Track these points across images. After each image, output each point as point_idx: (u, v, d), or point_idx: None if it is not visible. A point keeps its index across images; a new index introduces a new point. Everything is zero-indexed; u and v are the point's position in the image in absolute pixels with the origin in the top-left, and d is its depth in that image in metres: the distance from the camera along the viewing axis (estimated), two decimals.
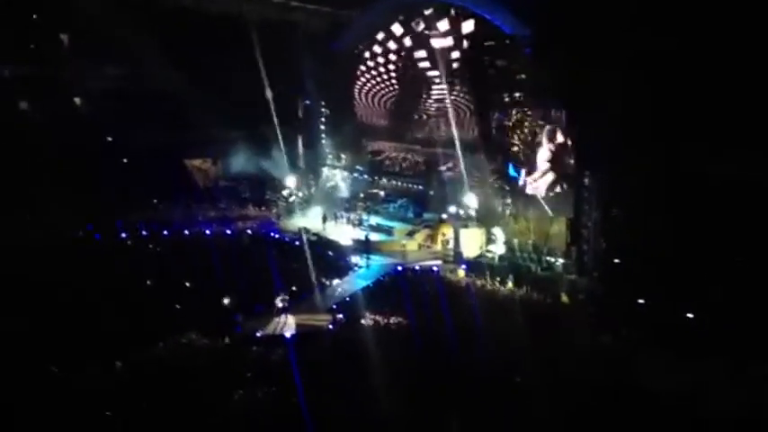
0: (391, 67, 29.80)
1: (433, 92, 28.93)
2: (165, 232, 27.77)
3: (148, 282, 22.59)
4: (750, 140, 21.04)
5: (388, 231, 29.08)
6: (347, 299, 22.37)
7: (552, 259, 24.13)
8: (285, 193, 32.75)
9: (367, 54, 30.10)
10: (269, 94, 31.62)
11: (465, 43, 27.02)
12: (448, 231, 27.12)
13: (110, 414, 15.31)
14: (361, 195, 31.66)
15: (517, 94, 25.47)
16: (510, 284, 23.24)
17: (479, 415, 15.30)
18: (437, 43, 27.70)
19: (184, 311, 20.49)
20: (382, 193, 31.62)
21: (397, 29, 28.68)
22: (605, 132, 22.32)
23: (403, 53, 29.05)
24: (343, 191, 32.62)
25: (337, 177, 33.04)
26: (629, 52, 22.09)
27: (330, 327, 20.39)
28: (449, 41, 27.37)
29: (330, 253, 26.62)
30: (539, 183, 24.55)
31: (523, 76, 25.21)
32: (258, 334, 19.62)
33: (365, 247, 26.63)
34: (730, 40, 21.42)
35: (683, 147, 22.20)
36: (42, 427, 14.96)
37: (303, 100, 33.10)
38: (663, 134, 22.30)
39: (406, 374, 16.68)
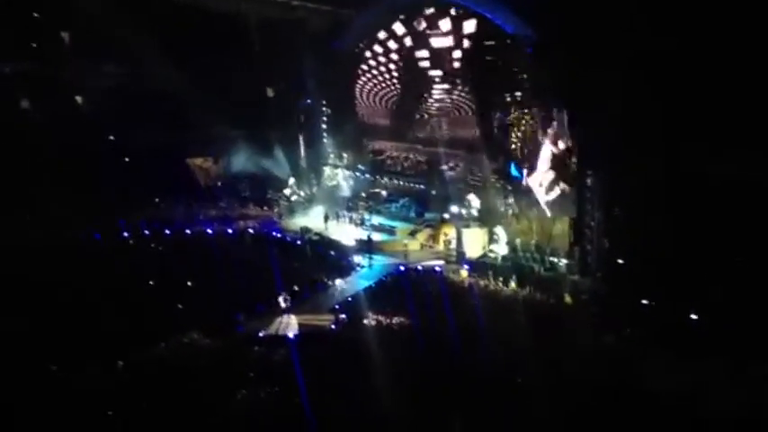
0: (392, 66, 29.78)
1: (435, 91, 28.91)
2: (167, 231, 27.78)
3: (150, 281, 22.57)
4: (750, 140, 21.03)
5: (390, 231, 29.06)
6: (349, 299, 22.34)
7: (555, 259, 24.10)
8: (287, 192, 32.73)
9: (368, 53, 30.05)
10: (270, 93, 31.59)
11: (466, 43, 27.01)
12: (450, 231, 27.09)
13: (110, 414, 15.29)
14: (363, 195, 31.63)
15: (518, 94, 25.50)
16: (513, 285, 23.22)
17: (482, 415, 15.30)
18: (438, 43, 27.68)
19: (186, 311, 20.48)
20: (384, 192, 31.60)
21: (398, 28, 28.64)
22: (606, 132, 22.31)
23: (404, 52, 29.01)
24: (345, 190, 32.59)
25: (339, 177, 33.02)
26: (630, 52, 22.06)
27: (333, 327, 20.38)
28: (450, 41, 27.36)
29: (332, 253, 26.59)
30: (542, 182, 24.55)
31: (524, 75, 25.23)
32: (260, 334, 19.60)
33: (367, 247, 26.61)
34: (730, 41, 21.39)
35: (684, 147, 22.18)
36: (42, 427, 14.95)
37: (304, 99, 33.03)
38: (663, 134, 22.28)
39: (409, 375, 16.69)
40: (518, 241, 25.24)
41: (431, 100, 29.21)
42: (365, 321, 20.54)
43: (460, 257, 25.62)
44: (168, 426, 15.23)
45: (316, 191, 33.36)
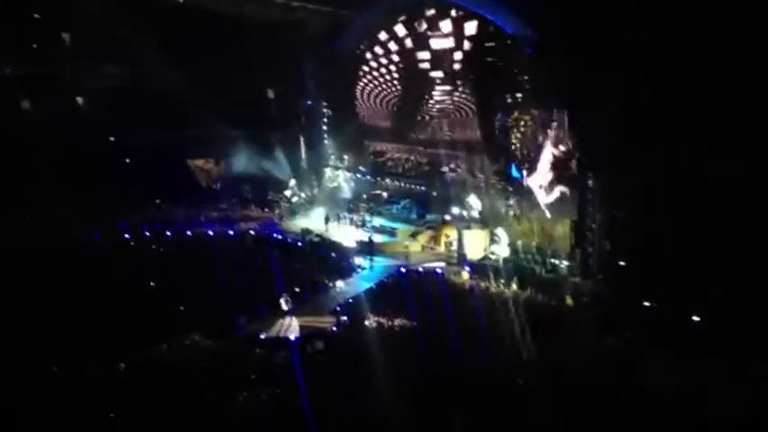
0: (393, 67, 29.80)
1: (435, 93, 28.94)
2: (168, 233, 27.77)
3: (151, 282, 22.56)
4: (750, 140, 21.01)
5: (391, 233, 29.08)
6: (350, 300, 22.32)
7: (556, 261, 24.11)
8: (287, 193, 32.75)
9: (369, 54, 30.09)
10: (271, 94, 31.58)
11: (467, 44, 27.02)
12: (451, 233, 27.10)
13: (111, 415, 15.27)
14: (364, 196, 31.67)
15: (519, 95, 25.49)
16: (514, 286, 23.18)
17: (483, 417, 15.27)
18: (439, 44, 27.69)
19: (187, 312, 20.45)
20: (385, 194, 31.64)
21: (399, 29, 28.67)
22: (606, 132, 22.30)
23: (405, 54, 29.03)
24: (346, 192, 32.63)
25: (340, 178, 33.05)
26: (630, 52, 22.03)
27: (334, 329, 20.35)
28: (451, 42, 27.36)
29: (333, 254, 26.61)
30: (542, 183, 24.53)
31: (525, 76, 25.23)
32: (262, 336, 19.58)
33: (368, 249, 26.61)
34: (730, 41, 21.37)
35: (684, 147, 22.15)
36: (43, 428, 14.91)
37: (305, 100, 33.04)
38: (663, 134, 22.25)
39: (410, 377, 16.65)
40: (519, 243, 25.24)
41: (432, 101, 29.24)
42: (366, 323, 20.51)
43: (461, 259, 25.62)
44: (169, 427, 15.18)
45: (317, 192, 33.39)
